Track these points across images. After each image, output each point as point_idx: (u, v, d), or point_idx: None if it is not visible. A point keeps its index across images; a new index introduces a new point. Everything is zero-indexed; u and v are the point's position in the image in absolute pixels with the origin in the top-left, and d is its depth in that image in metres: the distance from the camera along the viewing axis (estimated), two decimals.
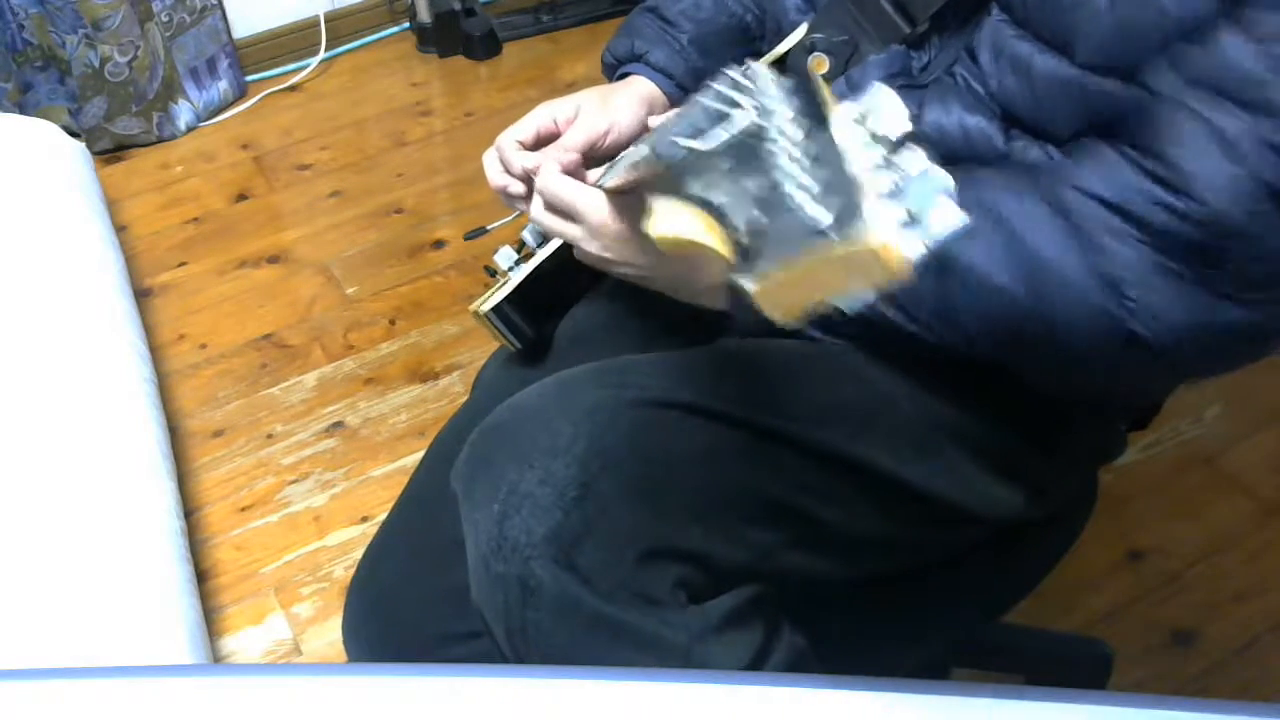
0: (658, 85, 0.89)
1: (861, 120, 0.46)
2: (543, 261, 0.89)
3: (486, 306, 0.89)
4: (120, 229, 1.81)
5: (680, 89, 0.89)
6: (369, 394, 1.68)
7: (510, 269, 0.91)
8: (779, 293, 0.43)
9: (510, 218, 0.96)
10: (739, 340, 0.79)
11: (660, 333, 0.88)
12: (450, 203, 2.05)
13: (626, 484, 0.66)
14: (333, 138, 2.22)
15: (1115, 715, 0.41)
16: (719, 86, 0.53)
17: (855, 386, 0.75)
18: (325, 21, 2.36)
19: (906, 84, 0.74)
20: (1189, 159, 0.61)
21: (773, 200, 0.44)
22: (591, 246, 0.74)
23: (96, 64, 2.06)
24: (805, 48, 0.78)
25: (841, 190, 0.42)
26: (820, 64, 0.77)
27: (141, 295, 1.82)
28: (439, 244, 1.95)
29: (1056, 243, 0.64)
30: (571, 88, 2.18)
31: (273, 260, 1.94)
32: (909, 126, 0.45)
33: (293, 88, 2.36)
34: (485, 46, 2.43)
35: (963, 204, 0.65)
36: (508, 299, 0.89)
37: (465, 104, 2.32)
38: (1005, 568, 0.87)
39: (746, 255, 0.44)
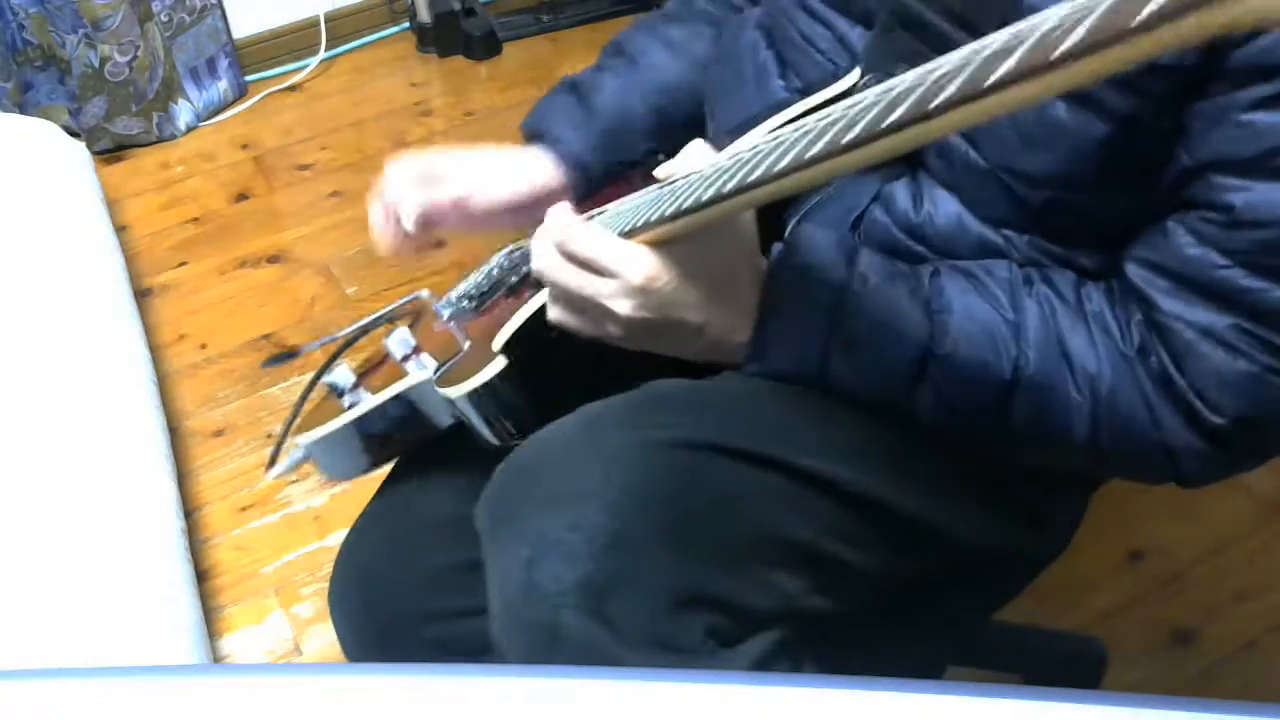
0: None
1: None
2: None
3: (464, 391, 0.74)
4: (120, 229, 1.81)
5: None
6: None
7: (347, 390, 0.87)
8: None
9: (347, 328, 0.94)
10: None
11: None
12: None
13: (659, 530, 0.64)
14: (333, 138, 2.22)
15: (1115, 715, 0.41)
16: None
17: (881, 428, 0.73)
18: (325, 21, 2.36)
19: None
20: (1196, 376, 0.64)
21: None
22: (624, 306, 0.66)
23: (96, 64, 2.06)
24: (867, 87, 0.73)
25: None
26: None
27: (141, 295, 1.82)
28: (439, 244, 1.94)
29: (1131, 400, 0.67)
30: None
31: (273, 260, 1.94)
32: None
33: (293, 88, 2.36)
34: (485, 46, 2.43)
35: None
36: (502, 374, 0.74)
37: (465, 104, 2.32)
38: (995, 576, 0.86)
39: None
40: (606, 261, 0.66)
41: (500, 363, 0.72)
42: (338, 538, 1.47)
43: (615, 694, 0.45)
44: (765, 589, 0.68)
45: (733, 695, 0.44)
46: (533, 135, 0.90)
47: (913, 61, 0.73)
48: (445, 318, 0.88)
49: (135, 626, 1.04)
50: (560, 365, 0.77)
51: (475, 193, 0.85)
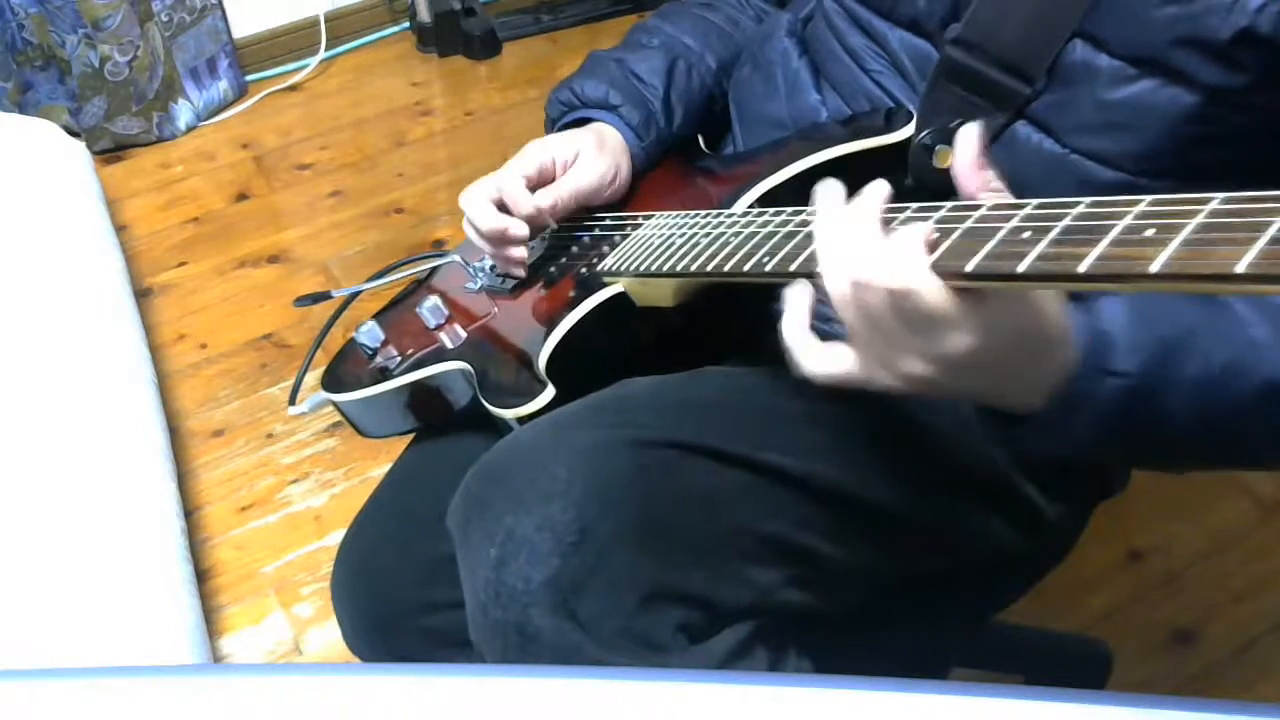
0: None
1: None
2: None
3: (527, 409, 0.74)
4: (120, 229, 1.81)
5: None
6: None
7: (374, 350, 0.89)
8: None
9: (351, 290, 0.96)
10: (734, 374, 0.77)
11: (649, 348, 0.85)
12: (450, 202, 2.05)
13: (626, 528, 0.65)
14: (333, 138, 2.22)
15: (1115, 715, 0.41)
16: None
17: (853, 422, 0.73)
18: (325, 21, 2.36)
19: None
20: None
21: None
22: (953, 348, 0.53)
23: (96, 64, 2.06)
24: (925, 146, 0.73)
25: None
26: (945, 158, 0.71)
27: (141, 295, 1.82)
28: (439, 244, 1.95)
29: None
30: None
31: (273, 260, 1.94)
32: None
33: (293, 88, 2.36)
34: (485, 46, 2.43)
35: None
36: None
37: (465, 104, 2.32)
38: (997, 578, 0.86)
39: None
40: (940, 314, 0.52)
41: (549, 393, 0.74)
42: (337, 538, 1.46)
43: (615, 694, 0.45)
44: (737, 583, 0.69)
45: (734, 695, 0.44)
46: (575, 107, 0.89)
47: (965, 114, 0.72)
48: (476, 287, 0.89)
49: (135, 626, 1.04)
50: (596, 372, 0.77)
51: (618, 176, 0.86)
